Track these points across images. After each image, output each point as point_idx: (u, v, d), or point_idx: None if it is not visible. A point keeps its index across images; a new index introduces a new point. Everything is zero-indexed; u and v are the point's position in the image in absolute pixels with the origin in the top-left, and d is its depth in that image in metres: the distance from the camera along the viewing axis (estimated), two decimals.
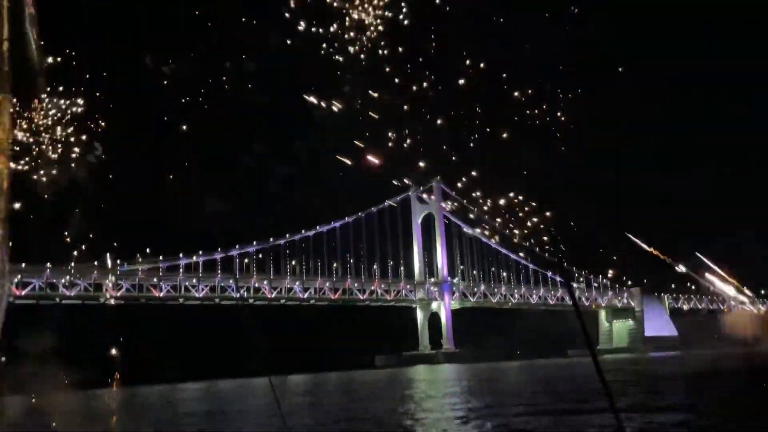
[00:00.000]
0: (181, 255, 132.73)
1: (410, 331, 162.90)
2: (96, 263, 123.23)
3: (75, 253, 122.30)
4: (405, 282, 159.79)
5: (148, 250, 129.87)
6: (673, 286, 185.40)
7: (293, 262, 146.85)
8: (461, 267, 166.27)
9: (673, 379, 51.72)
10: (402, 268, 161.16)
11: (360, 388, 62.09)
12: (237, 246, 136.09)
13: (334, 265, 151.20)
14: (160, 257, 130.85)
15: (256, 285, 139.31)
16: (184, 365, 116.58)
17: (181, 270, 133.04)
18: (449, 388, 56.23)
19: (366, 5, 59.24)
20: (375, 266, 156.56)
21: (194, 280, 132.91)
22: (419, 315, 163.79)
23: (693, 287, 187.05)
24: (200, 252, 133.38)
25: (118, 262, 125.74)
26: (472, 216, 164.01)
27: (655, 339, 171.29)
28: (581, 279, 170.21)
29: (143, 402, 56.58)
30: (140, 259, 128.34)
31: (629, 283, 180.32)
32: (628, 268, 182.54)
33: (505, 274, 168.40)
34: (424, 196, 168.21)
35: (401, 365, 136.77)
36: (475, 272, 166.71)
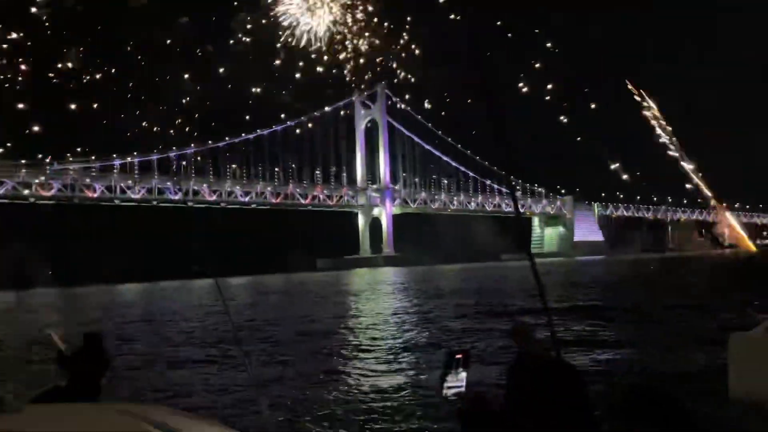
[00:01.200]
0: (115, 156, 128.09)
1: (351, 235, 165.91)
2: (24, 161, 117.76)
3: (1, 150, 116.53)
4: (347, 188, 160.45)
5: (79, 149, 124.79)
6: (603, 194, 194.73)
7: (233, 166, 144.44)
8: (403, 174, 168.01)
9: (594, 282, 55.17)
10: (344, 174, 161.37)
11: (301, 289, 63.55)
12: (174, 148, 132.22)
13: (276, 169, 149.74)
14: (93, 157, 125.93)
15: (195, 188, 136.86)
16: (124, 266, 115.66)
17: (115, 171, 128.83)
18: (387, 289, 58.28)
19: None
20: (317, 171, 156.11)
21: (130, 181, 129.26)
22: (361, 220, 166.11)
23: (621, 195, 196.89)
24: (135, 153, 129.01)
25: (48, 160, 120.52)
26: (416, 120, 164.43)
27: (584, 244, 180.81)
28: (518, 187, 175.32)
29: (84, 301, 56.23)
30: (71, 159, 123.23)
31: (563, 191, 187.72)
32: (563, 177, 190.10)
33: (445, 181, 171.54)
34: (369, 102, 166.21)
35: (342, 268, 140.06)
36: (416, 179, 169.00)
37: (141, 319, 34.53)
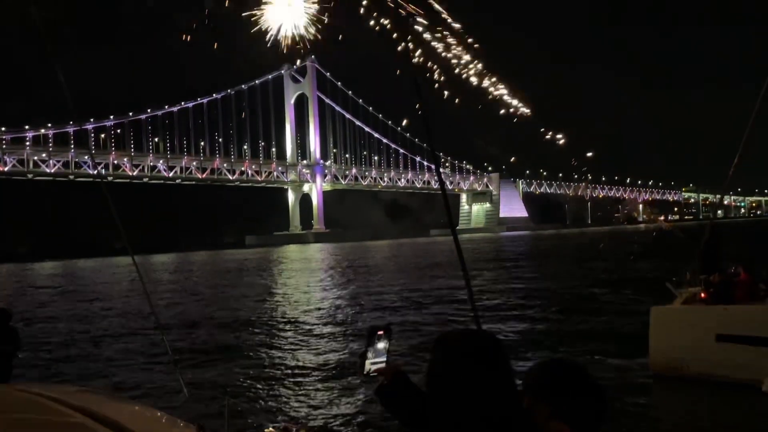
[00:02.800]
0: (26, 127, 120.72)
1: (281, 211, 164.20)
2: None
3: None
4: (277, 163, 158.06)
5: None
6: (527, 171, 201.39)
7: (156, 139, 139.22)
8: (334, 150, 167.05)
9: (517, 257, 57.25)
10: (274, 149, 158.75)
11: (228, 266, 62.62)
12: (92, 120, 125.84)
13: (202, 143, 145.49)
14: (2, 128, 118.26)
15: (116, 162, 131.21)
16: (39, 243, 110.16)
17: (28, 143, 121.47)
18: (316, 265, 58.37)
19: None
20: (245, 146, 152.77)
21: (44, 155, 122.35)
22: (291, 196, 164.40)
23: (545, 172, 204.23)
24: (50, 125, 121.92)
25: None
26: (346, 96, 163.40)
27: (509, 219, 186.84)
28: (447, 164, 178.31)
29: None
30: None
31: (489, 168, 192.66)
32: (489, 155, 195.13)
33: (376, 157, 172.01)
34: (298, 75, 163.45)
35: (272, 245, 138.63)
36: (347, 155, 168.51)
37: (58, 298, 33.22)
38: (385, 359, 2.01)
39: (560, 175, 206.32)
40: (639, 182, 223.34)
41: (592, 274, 32.44)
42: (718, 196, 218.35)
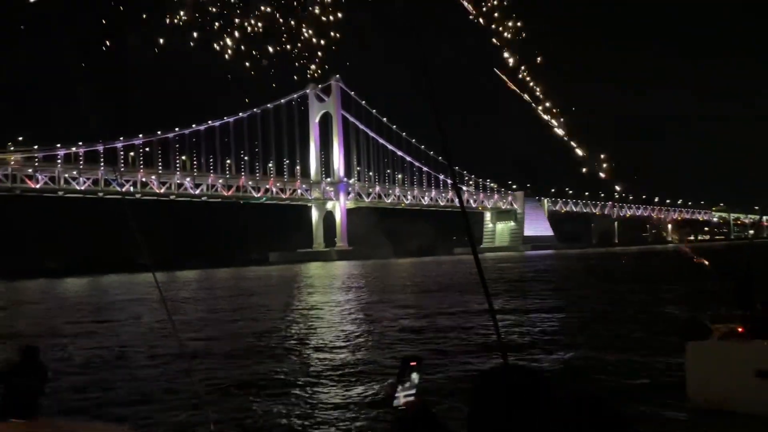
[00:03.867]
0: (59, 145, 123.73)
1: (305, 229, 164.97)
2: None
3: None
4: (301, 181, 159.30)
5: (21, 138, 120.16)
6: (552, 190, 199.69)
7: (183, 157, 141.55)
8: (357, 168, 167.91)
9: (543, 278, 56.44)
10: (298, 167, 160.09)
11: (251, 284, 62.89)
12: (122, 138, 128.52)
13: (227, 161, 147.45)
14: (35, 146, 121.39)
15: (144, 179, 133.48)
16: (69, 259, 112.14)
17: (59, 161, 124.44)
18: (339, 284, 58.29)
19: None
20: (270, 164, 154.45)
21: (74, 172, 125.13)
22: (314, 214, 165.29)
23: (570, 191, 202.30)
24: (80, 143, 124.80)
25: None
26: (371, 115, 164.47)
27: (534, 238, 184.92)
28: (470, 182, 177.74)
29: (22, 296, 54.17)
30: (13, 148, 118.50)
31: (514, 187, 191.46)
32: (513, 173, 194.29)
33: (399, 175, 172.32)
34: (323, 94, 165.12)
35: (295, 262, 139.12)
36: (370, 173, 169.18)
37: (83, 317, 33.56)
38: (414, 392, 1.96)
39: (586, 193, 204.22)
40: (668, 201, 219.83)
41: (619, 298, 31.74)
42: (750, 216, 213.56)
